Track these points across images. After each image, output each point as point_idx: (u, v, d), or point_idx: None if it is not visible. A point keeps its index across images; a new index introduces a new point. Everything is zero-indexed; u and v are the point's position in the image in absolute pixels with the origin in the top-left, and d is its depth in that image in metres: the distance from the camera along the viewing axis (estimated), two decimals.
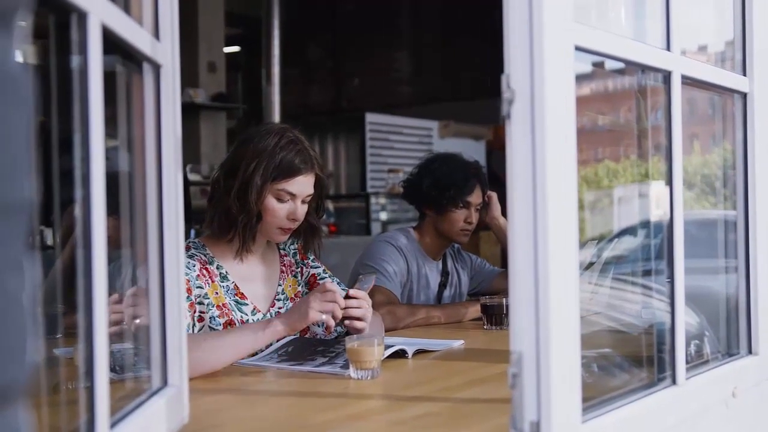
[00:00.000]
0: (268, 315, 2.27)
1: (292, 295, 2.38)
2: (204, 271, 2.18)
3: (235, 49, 10.26)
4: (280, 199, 2.21)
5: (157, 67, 1.36)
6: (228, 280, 2.24)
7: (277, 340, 2.14)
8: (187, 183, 5.14)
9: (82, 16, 1.01)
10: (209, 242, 2.28)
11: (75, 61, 1.03)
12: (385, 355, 2.01)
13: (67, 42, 1.03)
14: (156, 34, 1.36)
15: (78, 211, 1.02)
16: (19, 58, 0.58)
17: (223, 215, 2.22)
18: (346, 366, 1.91)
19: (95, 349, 1.02)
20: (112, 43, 1.13)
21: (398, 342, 2.20)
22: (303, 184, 2.23)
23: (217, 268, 2.24)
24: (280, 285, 2.36)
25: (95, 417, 1.01)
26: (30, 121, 0.59)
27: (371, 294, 2.81)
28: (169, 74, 1.39)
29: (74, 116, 1.02)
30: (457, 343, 2.36)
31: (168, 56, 1.39)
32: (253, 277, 2.30)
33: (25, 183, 0.57)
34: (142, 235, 1.38)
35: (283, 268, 2.40)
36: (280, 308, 2.32)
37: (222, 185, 2.21)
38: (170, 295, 1.39)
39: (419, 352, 2.19)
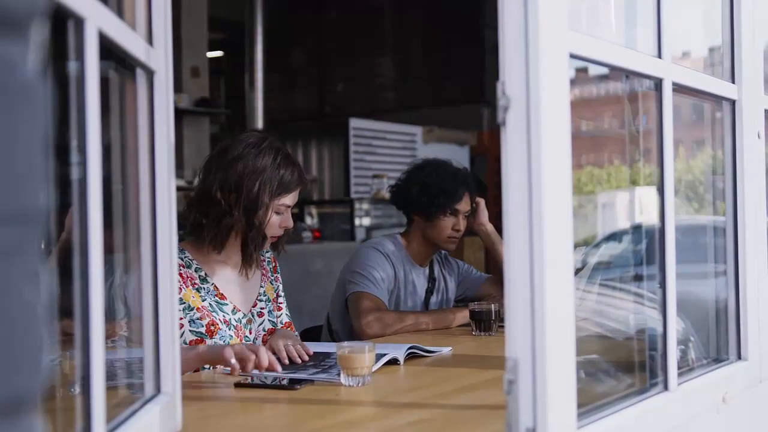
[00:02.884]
0: (249, 315, 2.36)
1: (273, 298, 2.47)
2: (179, 276, 2.20)
3: (219, 53, 10.24)
4: (278, 213, 2.31)
5: (150, 73, 1.35)
6: (208, 282, 2.29)
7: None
8: None
9: (79, 22, 1.00)
10: (189, 246, 2.33)
11: (71, 66, 1.02)
12: (379, 365, 2.01)
13: (62, 47, 1.02)
14: (149, 40, 1.36)
15: (75, 217, 1.01)
16: (34, 65, 0.58)
17: (225, 231, 2.26)
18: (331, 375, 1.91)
19: (92, 358, 1.01)
20: (107, 49, 1.12)
21: (389, 349, 2.19)
22: (296, 196, 2.35)
23: (196, 271, 2.29)
24: (261, 287, 2.44)
25: (92, 425, 1.01)
26: (45, 129, 0.58)
27: (359, 300, 2.83)
28: (163, 80, 1.38)
29: (70, 121, 1.02)
30: (446, 350, 2.36)
31: (161, 62, 1.38)
32: (233, 279, 2.36)
33: (40, 191, 0.57)
34: (135, 242, 1.37)
35: (264, 271, 2.48)
36: (262, 308, 2.41)
37: (223, 203, 2.23)
38: (163, 303, 1.38)
39: (411, 357, 2.20)
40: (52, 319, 0.61)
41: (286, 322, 2.48)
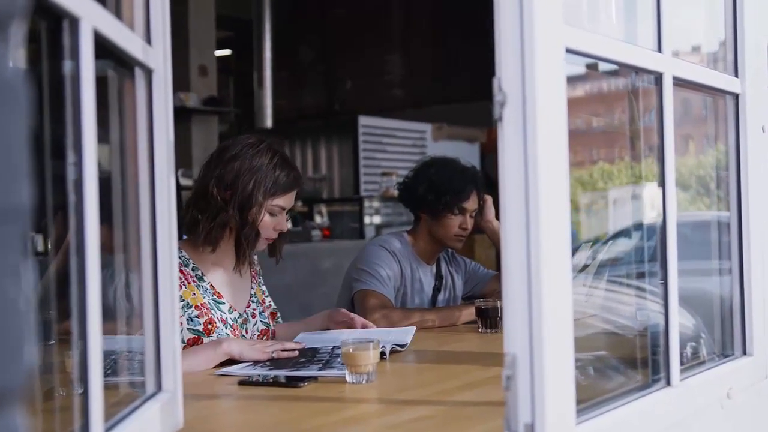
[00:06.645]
0: (245, 314, 2.41)
1: (261, 299, 2.51)
2: (179, 274, 2.24)
3: (227, 52, 10.24)
4: (272, 214, 2.34)
5: (149, 72, 1.36)
6: (204, 281, 2.33)
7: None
8: (178, 188, 5.17)
9: (74, 22, 1.01)
10: (186, 245, 2.36)
11: (67, 66, 1.02)
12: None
13: (58, 47, 1.02)
14: (148, 38, 1.36)
15: (71, 216, 1.02)
16: (14, 63, 0.58)
17: (219, 228, 2.29)
18: (341, 369, 1.91)
19: (89, 355, 1.01)
20: (104, 48, 1.12)
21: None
22: (292, 199, 2.39)
23: (193, 270, 2.33)
24: (252, 288, 2.49)
25: (90, 422, 1.01)
26: (26, 127, 0.59)
27: (365, 298, 2.83)
28: (161, 79, 1.39)
29: (66, 121, 1.02)
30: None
31: (160, 61, 1.38)
32: (227, 280, 2.40)
33: (22, 188, 0.58)
34: (135, 242, 1.37)
35: (254, 274, 2.53)
36: (254, 310, 2.46)
37: (219, 199, 2.27)
38: (164, 301, 1.38)
39: (393, 352, 2.21)
40: (35, 315, 0.62)
41: (272, 312, 2.54)
